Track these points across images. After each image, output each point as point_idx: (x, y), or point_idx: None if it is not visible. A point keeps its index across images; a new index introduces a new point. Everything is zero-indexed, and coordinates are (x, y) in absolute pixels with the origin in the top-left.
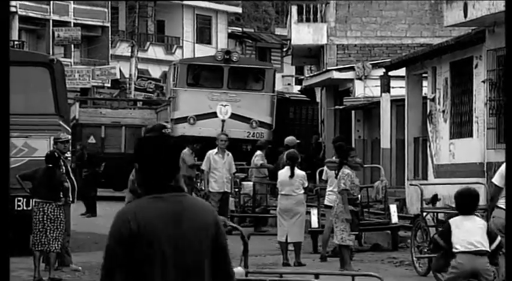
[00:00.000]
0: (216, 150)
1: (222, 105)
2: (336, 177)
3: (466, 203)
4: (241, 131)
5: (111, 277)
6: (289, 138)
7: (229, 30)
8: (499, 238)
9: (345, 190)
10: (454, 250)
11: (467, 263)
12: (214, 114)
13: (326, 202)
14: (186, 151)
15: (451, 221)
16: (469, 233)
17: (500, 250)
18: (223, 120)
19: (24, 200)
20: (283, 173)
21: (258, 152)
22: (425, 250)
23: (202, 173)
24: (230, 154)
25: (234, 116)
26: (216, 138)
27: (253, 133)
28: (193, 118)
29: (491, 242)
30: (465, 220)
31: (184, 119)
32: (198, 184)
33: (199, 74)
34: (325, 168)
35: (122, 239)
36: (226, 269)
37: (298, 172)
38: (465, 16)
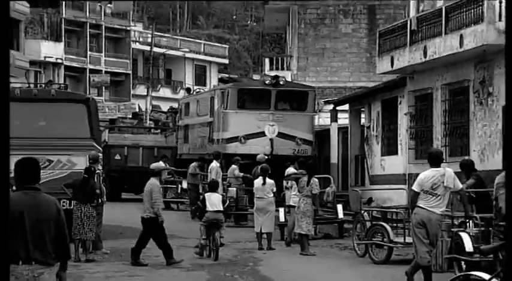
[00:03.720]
0: (218, 164)
1: (269, 125)
2: (306, 184)
3: (211, 186)
4: (288, 148)
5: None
6: (260, 156)
7: (219, 76)
8: (227, 202)
9: (316, 194)
10: (207, 209)
11: (212, 216)
12: (262, 134)
13: (291, 203)
14: (194, 164)
15: (205, 195)
16: (214, 201)
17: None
18: (271, 139)
19: (67, 202)
20: (258, 181)
21: (234, 166)
22: (363, 238)
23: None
24: None
25: (280, 134)
26: (216, 154)
27: (298, 150)
28: (244, 138)
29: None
30: (212, 195)
31: (235, 139)
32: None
33: (246, 97)
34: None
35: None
36: (63, 234)
37: (268, 180)
38: (392, 66)
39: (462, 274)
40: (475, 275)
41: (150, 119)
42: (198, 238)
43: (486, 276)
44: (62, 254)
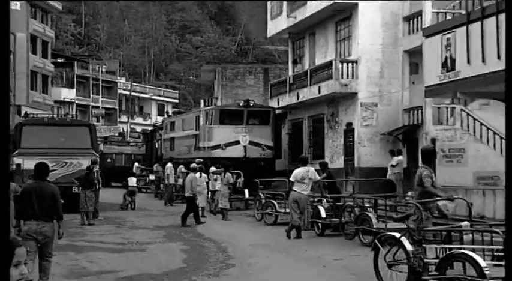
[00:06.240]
0: (172, 164)
1: (243, 136)
2: (224, 176)
3: (131, 173)
4: (256, 152)
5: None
6: (197, 160)
7: (173, 110)
8: (140, 182)
9: (232, 182)
10: (129, 185)
11: (131, 188)
12: (238, 142)
13: (216, 188)
14: (157, 164)
15: (128, 178)
16: (132, 180)
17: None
18: (244, 146)
19: (76, 188)
20: (197, 175)
21: (181, 166)
22: (261, 209)
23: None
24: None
25: (251, 143)
26: (170, 158)
27: (264, 154)
28: (224, 145)
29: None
30: (131, 178)
31: (217, 147)
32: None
33: (225, 116)
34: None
35: (22, 194)
36: (56, 205)
37: (203, 174)
38: (278, 105)
39: (381, 235)
40: (390, 235)
41: (130, 137)
42: (125, 201)
43: (398, 235)
44: (56, 215)
